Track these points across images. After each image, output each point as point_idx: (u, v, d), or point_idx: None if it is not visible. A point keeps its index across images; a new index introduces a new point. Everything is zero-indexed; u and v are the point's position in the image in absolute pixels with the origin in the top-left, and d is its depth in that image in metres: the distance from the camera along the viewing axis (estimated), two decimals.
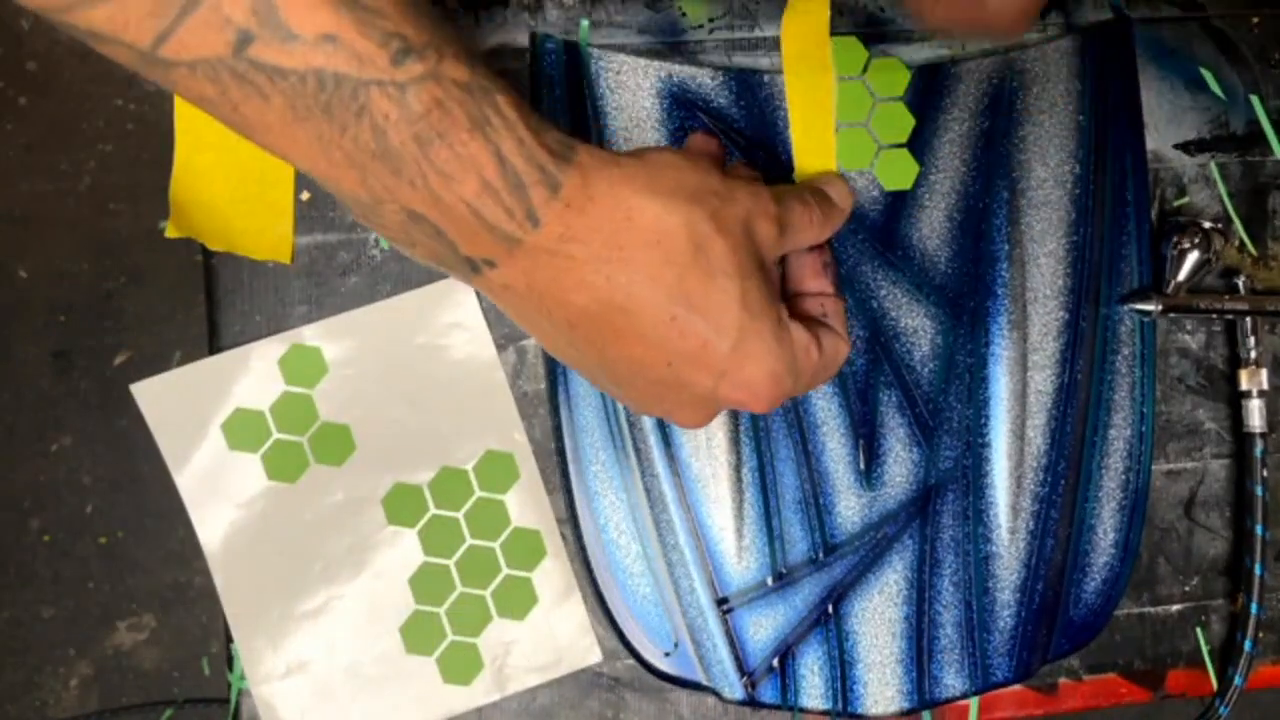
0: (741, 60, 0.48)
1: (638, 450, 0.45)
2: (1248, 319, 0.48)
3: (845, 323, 0.42)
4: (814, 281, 0.42)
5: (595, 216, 0.34)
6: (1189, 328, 0.50)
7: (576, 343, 0.36)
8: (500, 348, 0.47)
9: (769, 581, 0.46)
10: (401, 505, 0.47)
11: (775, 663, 0.46)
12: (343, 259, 0.47)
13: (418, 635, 0.46)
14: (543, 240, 0.33)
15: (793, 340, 0.38)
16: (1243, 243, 0.50)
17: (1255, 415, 0.48)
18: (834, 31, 0.47)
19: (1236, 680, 0.48)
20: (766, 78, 0.46)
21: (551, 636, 0.47)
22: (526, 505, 0.47)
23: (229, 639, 0.47)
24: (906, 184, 0.46)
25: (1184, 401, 0.50)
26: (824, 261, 0.43)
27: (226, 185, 0.46)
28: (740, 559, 0.45)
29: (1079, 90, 0.47)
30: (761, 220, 0.37)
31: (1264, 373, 0.48)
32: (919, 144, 0.46)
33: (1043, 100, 0.47)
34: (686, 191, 0.35)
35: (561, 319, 0.35)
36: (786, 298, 0.42)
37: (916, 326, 0.46)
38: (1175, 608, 0.50)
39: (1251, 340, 0.48)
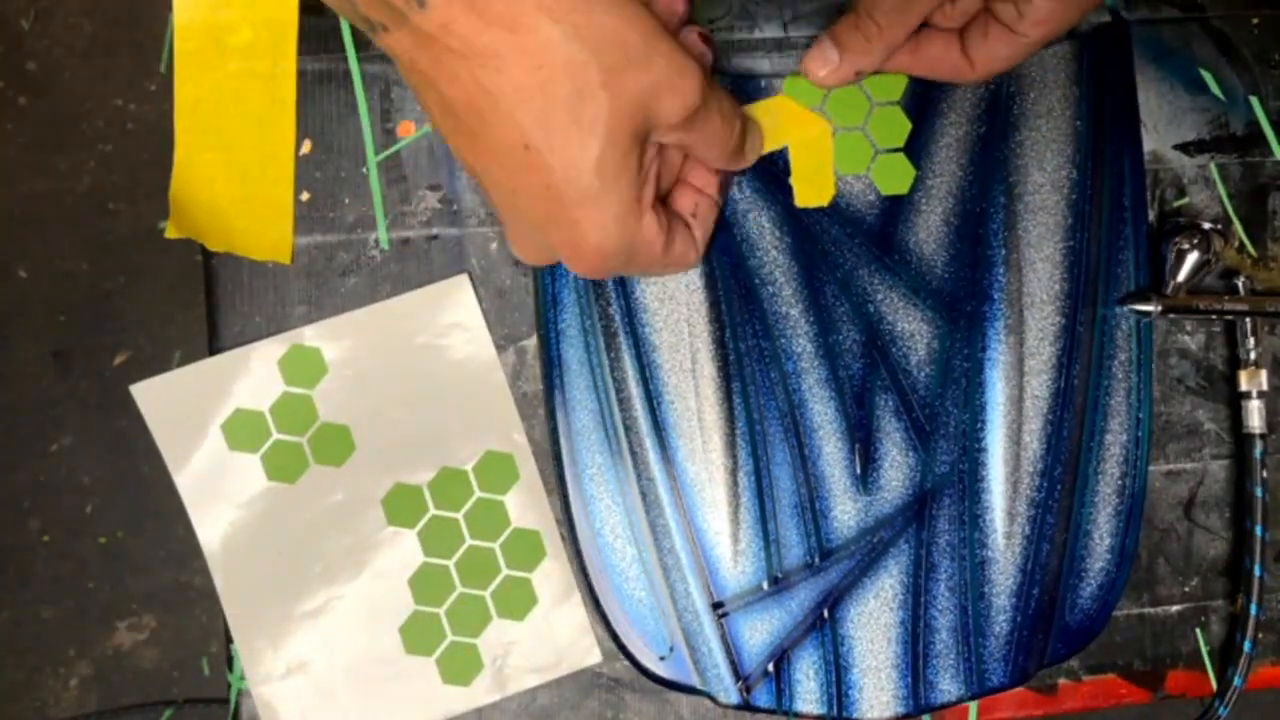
0: (741, 62, 0.47)
1: (634, 454, 0.45)
2: (1247, 320, 0.48)
3: (710, 228, 0.42)
4: (700, 176, 0.41)
5: (486, 16, 0.32)
6: (1189, 329, 0.50)
7: (448, 133, 0.36)
8: (500, 348, 0.47)
9: (764, 586, 0.46)
10: (401, 505, 0.47)
11: (770, 667, 0.46)
12: (342, 259, 0.47)
13: (418, 635, 0.47)
14: (426, 23, 0.33)
15: (641, 228, 0.37)
16: (1242, 244, 0.50)
17: (1255, 416, 0.48)
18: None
19: (1236, 681, 0.48)
20: (764, 82, 0.46)
21: (551, 637, 0.47)
22: (526, 506, 0.47)
23: (229, 639, 0.47)
24: (904, 188, 0.46)
25: (1184, 402, 0.50)
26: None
27: (226, 185, 0.47)
28: (736, 563, 0.45)
29: (1076, 95, 0.47)
30: (670, 98, 0.35)
31: (1263, 374, 0.48)
32: (916, 148, 0.46)
33: (1040, 105, 0.47)
34: (596, 32, 0.33)
35: (435, 104, 0.35)
36: (670, 180, 0.41)
37: (913, 331, 0.46)
38: (1175, 608, 0.50)
39: (1251, 341, 0.48)
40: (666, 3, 0.40)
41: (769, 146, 0.45)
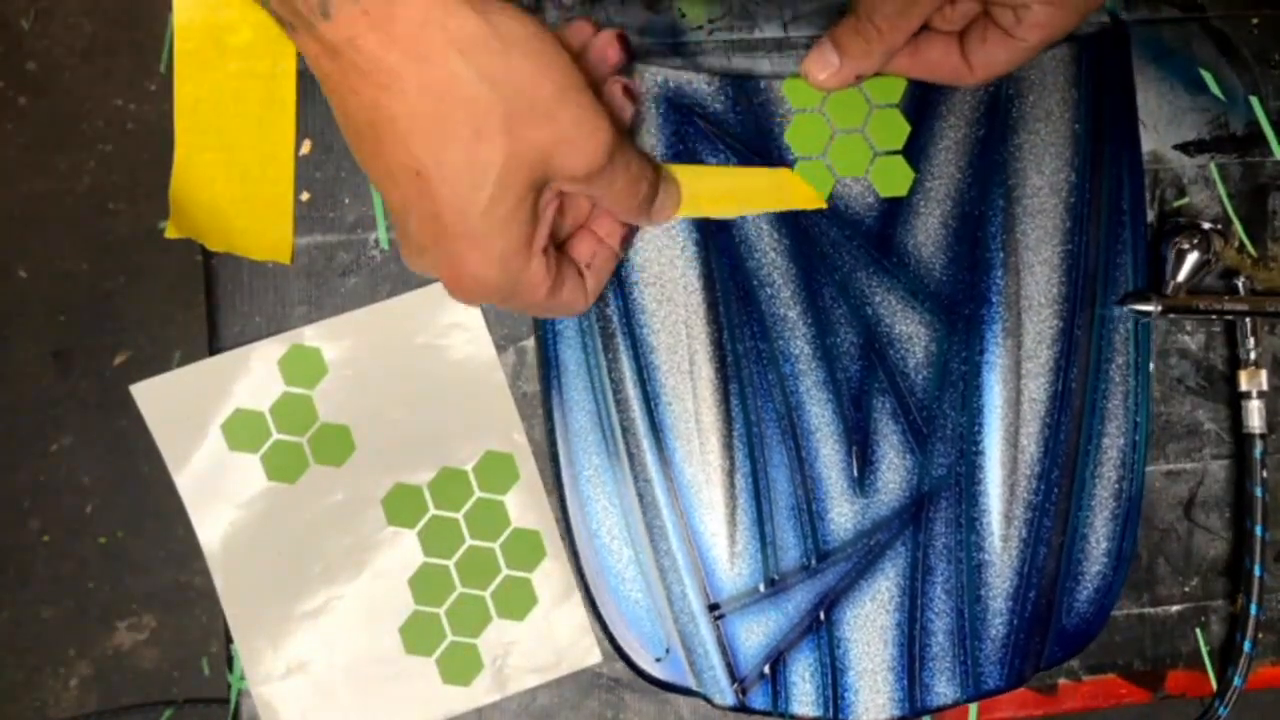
0: (740, 62, 0.47)
1: (631, 455, 0.45)
2: (1247, 320, 0.48)
3: (605, 279, 0.42)
4: (604, 225, 0.41)
5: (392, 37, 0.32)
6: (1189, 329, 0.50)
7: (348, 138, 0.36)
8: (500, 348, 0.47)
9: (761, 588, 0.46)
10: (401, 506, 0.47)
11: (766, 669, 0.45)
12: (342, 259, 0.47)
13: (418, 635, 0.47)
14: (331, 34, 0.32)
15: (527, 271, 0.37)
16: (1242, 244, 0.50)
17: (1255, 416, 0.48)
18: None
19: (1236, 681, 0.48)
20: (763, 83, 0.46)
21: (551, 637, 0.47)
22: (526, 506, 0.47)
23: (229, 639, 0.47)
24: (902, 190, 0.46)
25: (1184, 402, 0.50)
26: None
27: (226, 185, 0.47)
28: (732, 565, 0.45)
29: (1075, 98, 0.47)
30: (572, 154, 0.35)
31: (1263, 374, 0.48)
32: (915, 151, 0.46)
33: (1039, 108, 0.47)
34: (506, 78, 0.33)
35: (339, 110, 0.35)
36: (575, 223, 0.41)
37: (911, 333, 0.46)
38: (1175, 608, 0.50)
39: (1251, 341, 0.48)
40: (599, 51, 0.40)
41: (770, 208, 0.45)
